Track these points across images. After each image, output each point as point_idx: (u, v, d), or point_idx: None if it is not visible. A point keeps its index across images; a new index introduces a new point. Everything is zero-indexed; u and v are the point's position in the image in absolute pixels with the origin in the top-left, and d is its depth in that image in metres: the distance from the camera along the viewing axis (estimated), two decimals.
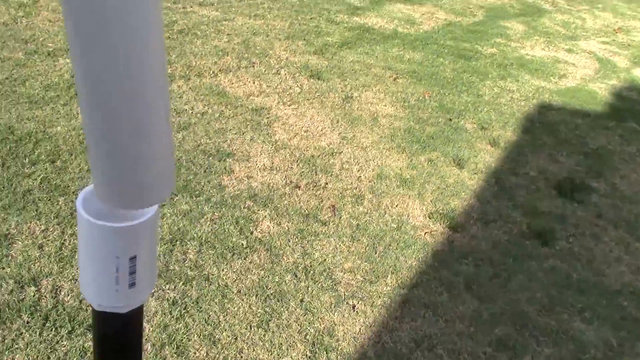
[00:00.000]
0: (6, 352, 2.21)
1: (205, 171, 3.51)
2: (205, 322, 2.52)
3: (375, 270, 3.05)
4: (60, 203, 2.99)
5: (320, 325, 2.64)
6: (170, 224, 3.03)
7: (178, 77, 4.57)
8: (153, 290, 2.60)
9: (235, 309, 2.62)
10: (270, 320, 2.60)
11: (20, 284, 2.50)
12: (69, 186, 3.12)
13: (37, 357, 2.22)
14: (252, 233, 3.11)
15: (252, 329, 2.54)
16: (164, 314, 2.51)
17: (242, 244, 3.01)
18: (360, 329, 2.67)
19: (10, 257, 2.62)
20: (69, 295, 2.49)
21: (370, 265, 3.07)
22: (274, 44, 5.63)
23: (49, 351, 2.25)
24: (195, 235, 2.99)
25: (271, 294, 2.74)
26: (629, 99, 6.24)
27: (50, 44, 4.67)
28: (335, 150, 4.04)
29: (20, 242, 2.71)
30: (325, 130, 4.28)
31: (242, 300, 2.67)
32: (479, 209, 3.76)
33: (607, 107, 5.89)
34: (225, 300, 2.65)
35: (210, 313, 2.57)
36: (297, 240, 3.13)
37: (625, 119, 5.67)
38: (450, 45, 6.70)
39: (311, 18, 6.62)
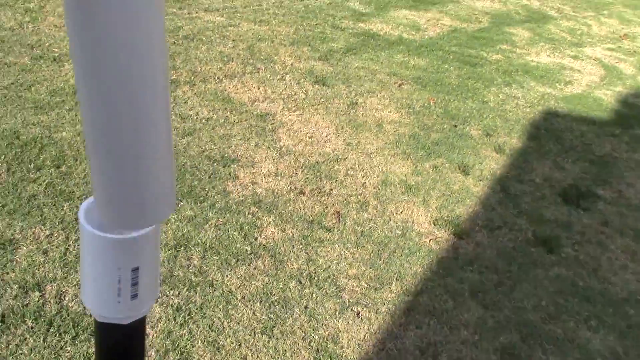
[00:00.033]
0: (10, 358, 2.21)
1: (209, 177, 3.51)
2: (209, 328, 2.51)
3: (380, 277, 3.04)
4: (65, 208, 2.99)
5: (324, 332, 2.63)
6: (175, 230, 3.03)
7: (183, 83, 4.58)
8: (157, 296, 2.60)
9: (239, 315, 2.61)
10: (274, 327, 2.59)
11: (25, 289, 2.49)
12: (73, 191, 3.12)
13: None
14: (256, 239, 3.10)
15: (256, 336, 2.53)
16: (168, 319, 2.51)
17: (247, 250, 3.01)
18: (364, 335, 2.66)
19: (14, 262, 2.62)
20: (73, 300, 2.49)
21: (374, 271, 3.06)
22: (279, 50, 5.64)
23: (53, 357, 2.25)
24: (199, 241, 2.99)
25: (275, 300, 2.74)
26: (635, 106, 6.22)
27: (56, 49, 4.69)
28: (340, 157, 4.04)
29: (24, 247, 2.71)
30: (330, 136, 4.28)
31: (246, 306, 2.67)
32: (484, 216, 3.75)
33: (613, 114, 5.87)
34: (229, 307, 2.64)
35: (214, 319, 2.56)
36: (301, 246, 3.13)
37: (631, 126, 5.65)
38: (455, 52, 6.69)
39: (316, 24, 6.63)
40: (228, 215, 3.22)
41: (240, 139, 3.97)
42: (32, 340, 2.28)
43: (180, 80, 4.62)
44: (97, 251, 0.59)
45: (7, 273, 2.56)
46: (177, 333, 2.46)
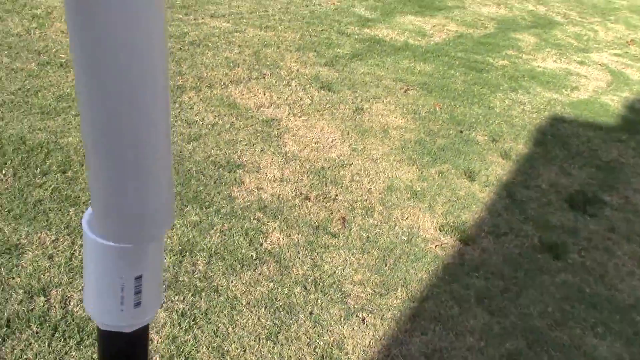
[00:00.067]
0: None
1: (215, 182, 3.51)
2: (214, 333, 2.51)
3: (385, 282, 3.03)
4: (70, 213, 3.00)
5: (329, 338, 2.62)
6: (180, 235, 3.03)
7: (189, 89, 4.59)
8: (162, 302, 2.59)
9: (244, 320, 2.61)
10: (279, 333, 2.58)
11: (30, 294, 2.50)
12: (79, 197, 3.13)
13: None
14: (261, 245, 3.10)
15: (261, 341, 2.52)
16: (173, 325, 2.50)
17: (252, 255, 3.00)
18: (369, 342, 2.65)
19: (20, 267, 2.62)
20: (78, 305, 2.49)
21: (380, 277, 3.05)
22: (284, 56, 5.65)
23: None
24: (204, 246, 2.99)
25: (280, 306, 2.73)
26: None
27: (63, 55, 4.71)
28: (345, 162, 4.03)
29: (30, 252, 2.71)
30: (335, 141, 4.28)
31: (251, 312, 2.66)
32: (490, 222, 3.73)
33: (620, 120, 5.85)
34: (234, 312, 2.64)
35: (219, 325, 2.56)
36: (306, 252, 3.12)
37: (638, 132, 5.63)
38: (461, 57, 6.69)
39: (322, 30, 6.65)
40: (233, 220, 3.22)
41: (246, 145, 3.97)
42: (37, 345, 2.28)
43: (186, 85, 4.63)
44: (100, 259, 0.59)
45: (13, 278, 2.56)
46: (182, 338, 2.45)
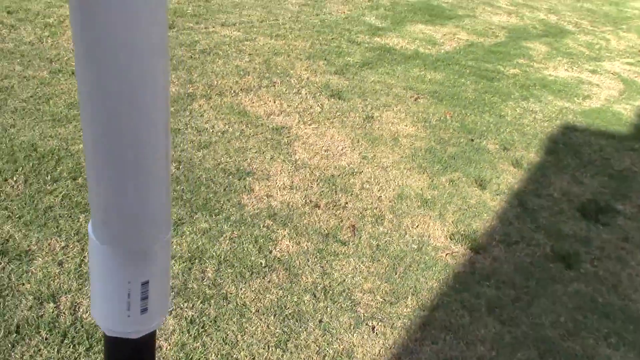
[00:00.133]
0: None
1: (225, 190, 3.51)
2: (223, 341, 2.50)
3: (396, 291, 3.00)
4: (80, 220, 3.01)
5: (339, 346, 2.60)
6: (189, 242, 3.02)
7: (199, 96, 4.60)
8: (171, 309, 2.59)
9: (253, 328, 2.59)
10: (288, 341, 2.57)
11: (40, 300, 2.50)
12: (90, 206, 3.13)
13: None
14: (271, 252, 3.09)
15: (270, 349, 2.50)
16: (182, 332, 2.49)
17: (261, 263, 2.99)
18: (379, 350, 2.63)
19: (30, 274, 2.62)
20: (87, 312, 2.49)
21: (390, 286, 3.03)
22: (295, 64, 5.65)
23: None
24: (214, 253, 2.98)
25: (289, 313, 2.72)
26: None
27: (74, 64, 4.74)
28: (355, 170, 4.02)
29: (40, 259, 2.72)
30: (345, 149, 4.27)
31: (260, 319, 2.65)
32: (501, 231, 3.71)
33: (632, 128, 5.80)
34: (244, 320, 2.63)
35: (228, 332, 2.54)
36: (316, 260, 3.11)
37: None
38: (471, 66, 6.67)
39: (332, 38, 6.66)
40: (243, 228, 3.22)
41: (256, 152, 3.97)
42: (46, 352, 2.28)
43: (197, 93, 4.65)
44: (106, 264, 0.58)
45: (23, 284, 2.56)
46: (191, 346, 2.44)
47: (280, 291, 2.84)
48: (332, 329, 2.68)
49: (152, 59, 0.48)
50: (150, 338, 0.65)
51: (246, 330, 2.58)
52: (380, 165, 4.16)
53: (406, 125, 4.85)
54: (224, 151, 3.91)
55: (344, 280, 3.00)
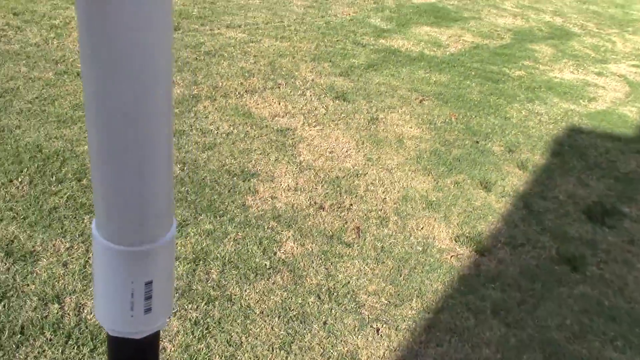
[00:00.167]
0: None
1: (229, 191, 3.50)
2: (227, 342, 2.49)
3: (400, 293, 2.99)
4: (85, 221, 3.01)
5: (343, 348, 2.59)
6: (194, 244, 3.02)
7: (204, 98, 4.61)
8: (175, 310, 2.59)
9: (258, 330, 2.59)
10: (292, 343, 2.56)
11: (44, 301, 2.50)
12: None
13: None
14: (275, 254, 3.08)
15: (274, 351, 2.50)
16: (186, 333, 2.49)
17: (266, 264, 2.99)
18: (384, 353, 2.62)
19: (35, 274, 2.63)
20: (91, 313, 2.49)
21: (395, 288, 3.02)
22: (300, 66, 5.65)
23: None
24: (218, 255, 2.98)
25: (294, 315, 2.71)
26: None
27: (80, 65, 4.75)
28: (360, 172, 4.01)
29: (45, 260, 2.72)
30: (350, 151, 4.26)
31: (265, 321, 2.64)
32: (506, 233, 3.69)
33: (638, 131, 5.78)
34: (248, 321, 2.62)
35: (232, 334, 2.54)
36: (320, 261, 3.10)
37: None
38: (477, 68, 6.66)
39: (337, 40, 6.65)
40: (247, 229, 3.21)
41: (260, 154, 3.97)
42: (50, 352, 2.28)
43: (202, 95, 4.65)
44: (109, 263, 0.58)
45: (27, 285, 2.56)
46: (195, 347, 2.44)
47: (285, 293, 2.83)
48: (337, 330, 2.68)
49: (157, 60, 0.48)
50: (154, 339, 0.64)
51: (250, 331, 2.57)
52: (385, 167, 4.15)
53: (411, 127, 4.84)
54: (229, 153, 3.90)
55: (349, 282, 2.99)
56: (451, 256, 3.36)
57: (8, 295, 2.49)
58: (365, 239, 3.35)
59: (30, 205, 3.04)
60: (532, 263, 3.45)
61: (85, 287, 2.61)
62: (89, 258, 2.77)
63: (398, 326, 2.78)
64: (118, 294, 0.59)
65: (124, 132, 0.50)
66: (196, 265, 2.88)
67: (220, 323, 2.58)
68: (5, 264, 2.64)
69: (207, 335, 2.51)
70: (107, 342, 0.66)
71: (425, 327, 2.81)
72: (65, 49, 5.01)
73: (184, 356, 2.39)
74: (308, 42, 6.38)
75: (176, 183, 3.45)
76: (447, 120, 5.12)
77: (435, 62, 6.60)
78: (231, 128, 4.23)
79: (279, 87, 5.09)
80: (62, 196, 3.15)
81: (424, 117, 5.07)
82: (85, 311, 2.49)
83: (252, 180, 3.65)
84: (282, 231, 3.26)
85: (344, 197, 3.70)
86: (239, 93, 4.81)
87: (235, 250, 3.04)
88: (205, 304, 2.66)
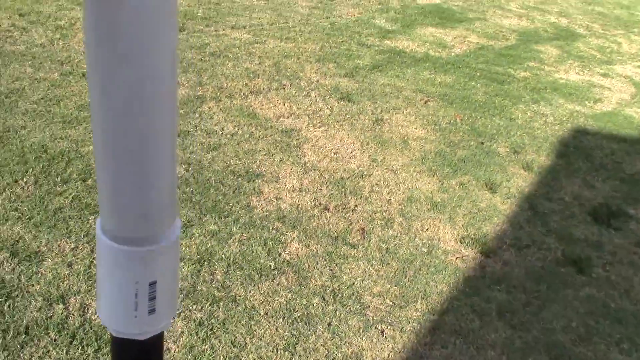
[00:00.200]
0: None
1: (234, 192, 3.50)
2: (232, 343, 2.49)
3: (405, 294, 2.99)
4: (90, 221, 3.01)
5: (347, 349, 2.58)
6: (199, 244, 3.02)
7: (209, 99, 4.61)
8: (179, 311, 2.59)
9: (262, 331, 2.58)
10: (297, 344, 2.55)
11: (49, 302, 2.50)
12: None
13: None
14: (280, 255, 3.08)
15: (279, 352, 2.49)
16: (190, 334, 2.49)
17: (270, 265, 2.98)
18: (389, 354, 2.61)
19: (39, 275, 2.63)
20: (96, 313, 2.49)
21: (399, 289, 3.01)
22: (304, 67, 5.65)
23: None
24: (223, 255, 2.97)
25: (298, 316, 2.70)
26: None
27: (85, 66, 4.75)
28: (365, 173, 4.01)
29: (50, 260, 2.72)
30: (355, 152, 4.26)
31: (269, 322, 2.64)
32: (511, 235, 3.68)
33: None
34: (252, 322, 2.62)
35: (237, 335, 2.53)
36: (325, 262, 3.09)
37: None
38: (482, 69, 6.65)
39: (342, 41, 6.65)
40: (252, 230, 3.21)
41: (265, 155, 3.97)
42: (55, 353, 2.28)
43: (207, 96, 4.65)
44: (114, 264, 0.58)
45: (32, 285, 2.57)
46: (199, 348, 2.43)
47: (289, 294, 2.83)
48: (341, 332, 2.67)
49: (162, 61, 0.48)
50: (158, 340, 0.64)
51: (255, 333, 2.57)
52: (389, 168, 4.14)
53: (416, 128, 4.83)
54: (234, 153, 3.90)
55: (353, 284, 2.98)
56: (456, 258, 3.35)
57: (13, 295, 2.50)
58: (370, 240, 3.34)
59: (35, 205, 3.05)
60: (537, 265, 3.44)
61: (90, 287, 2.61)
62: (93, 258, 2.77)
63: (403, 328, 2.77)
64: (122, 294, 0.59)
65: (128, 132, 0.50)
66: (201, 266, 2.88)
67: (224, 324, 2.57)
68: (11, 264, 2.65)
69: (212, 336, 2.50)
70: (111, 343, 0.65)
71: (430, 328, 2.80)
72: (71, 50, 5.02)
73: (188, 357, 2.39)
74: (313, 43, 6.38)
75: (181, 184, 3.45)
76: (452, 121, 5.11)
77: (440, 63, 6.59)
78: (236, 129, 4.23)
79: (284, 88, 5.09)
80: (67, 196, 3.16)
81: (428, 118, 5.06)
82: (90, 312, 2.49)
83: (256, 181, 3.65)
84: (287, 232, 3.25)
85: (349, 198, 3.69)
86: (243, 94, 4.81)
87: (239, 251, 3.04)
88: (210, 304, 2.66)
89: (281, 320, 2.66)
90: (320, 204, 3.57)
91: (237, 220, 3.26)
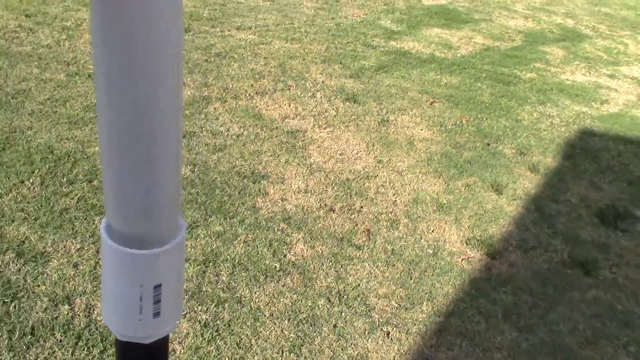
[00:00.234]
0: None
1: (239, 193, 3.50)
2: (237, 345, 2.48)
3: (411, 296, 2.98)
4: (96, 222, 3.01)
5: (353, 351, 2.58)
6: (204, 245, 3.02)
7: (215, 100, 4.61)
8: (185, 312, 2.58)
9: (267, 332, 2.58)
10: (302, 345, 2.55)
11: (55, 302, 2.50)
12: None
13: None
14: (285, 256, 3.07)
15: (284, 354, 2.49)
16: (196, 336, 2.48)
17: (275, 266, 2.98)
18: (394, 356, 2.60)
19: (45, 275, 2.63)
20: (101, 314, 2.48)
21: (405, 291, 3.00)
22: (310, 68, 5.65)
23: None
24: (228, 257, 2.97)
25: (304, 318, 2.70)
26: None
27: (91, 66, 4.76)
28: (370, 174, 4.00)
29: (55, 260, 2.72)
30: (360, 153, 4.25)
31: (274, 324, 2.63)
32: (517, 236, 3.66)
33: None
34: (257, 324, 2.61)
35: (242, 336, 2.53)
36: (330, 264, 3.09)
37: None
38: (488, 70, 6.63)
39: (348, 42, 6.64)
40: (257, 231, 3.21)
41: (271, 156, 3.97)
42: (60, 354, 2.28)
43: (212, 96, 4.65)
44: (118, 266, 0.57)
45: (38, 285, 2.57)
46: (205, 349, 2.43)
47: (295, 295, 2.82)
48: (347, 334, 2.66)
49: (167, 61, 0.48)
50: (163, 343, 0.64)
51: (260, 334, 2.56)
52: (395, 169, 4.13)
53: (422, 129, 4.82)
54: (239, 154, 3.90)
55: (359, 285, 2.98)
56: (462, 259, 3.34)
57: (19, 296, 2.50)
58: (375, 242, 3.33)
59: (41, 206, 3.05)
60: (543, 267, 3.42)
61: (95, 288, 2.61)
62: (99, 259, 2.77)
63: (409, 329, 2.76)
64: (126, 297, 0.58)
65: (134, 133, 0.50)
66: (206, 267, 2.88)
67: (230, 325, 2.57)
68: (17, 265, 2.65)
69: (217, 337, 2.50)
70: (115, 346, 0.65)
71: (435, 330, 2.79)
72: (77, 51, 5.03)
73: (193, 358, 2.38)
74: (318, 44, 6.38)
75: (186, 184, 3.45)
76: (458, 122, 5.10)
77: (445, 64, 6.58)
78: (241, 130, 4.23)
79: (289, 89, 5.08)
80: (73, 197, 3.16)
81: (434, 119, 5.05)
82: (96, 312, 2.50)
83: (262, 182, 3.65)
84: (292, 233, 3.25)
85: (355, 199, 3.68)
86: (249, 95, 4.81)
87: (245, 252, 3.03)
88: (215, 306, 2.66)
89: (286, 321, 2.66)
90: (325, 205, 3.57)
91: (243, 221, 3.26)
